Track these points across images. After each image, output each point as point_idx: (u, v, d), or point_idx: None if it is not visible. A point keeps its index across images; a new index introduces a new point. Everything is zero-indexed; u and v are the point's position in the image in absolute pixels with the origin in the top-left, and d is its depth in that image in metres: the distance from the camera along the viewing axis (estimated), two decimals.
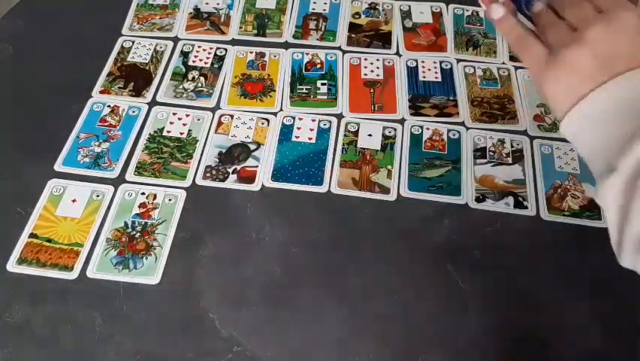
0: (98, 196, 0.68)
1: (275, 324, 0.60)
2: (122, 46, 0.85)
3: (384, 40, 0.87)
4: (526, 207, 0.69)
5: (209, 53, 0.84)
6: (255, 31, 0.88)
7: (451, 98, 0.80)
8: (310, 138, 0.75)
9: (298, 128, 0.76)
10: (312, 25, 0.89)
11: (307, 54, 0.85)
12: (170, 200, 0.68)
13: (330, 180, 0.71)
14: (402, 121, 0.77)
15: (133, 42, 0.85)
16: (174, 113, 0.77)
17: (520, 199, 0.70)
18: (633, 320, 0.61)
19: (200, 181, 0.70)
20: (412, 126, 0.77)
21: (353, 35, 0.88)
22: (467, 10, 0.92)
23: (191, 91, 0.80)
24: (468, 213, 0.69)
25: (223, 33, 0.87)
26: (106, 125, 0.75)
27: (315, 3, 0.92)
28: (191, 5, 0.91)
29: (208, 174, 0.71)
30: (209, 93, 0.79)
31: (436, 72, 0.83)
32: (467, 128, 0.77)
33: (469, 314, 0.61)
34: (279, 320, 0.60)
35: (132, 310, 0.60)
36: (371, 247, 0.66)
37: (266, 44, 0.86)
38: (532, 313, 0.62)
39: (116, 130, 0.75)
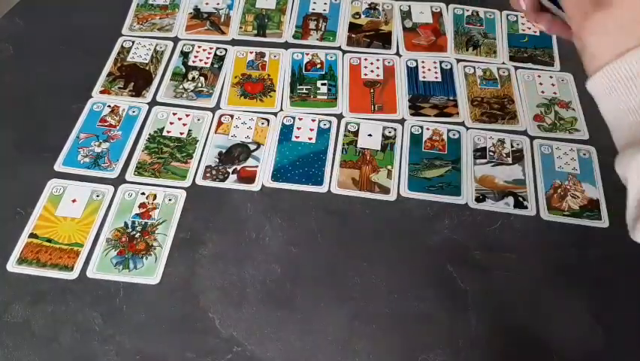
0: (98, 196, 0.68)
1: (275, 324, 0.60)
2: (122, 46, 0.85)
3: (384, 40, 0.87)
4: (526, 207, 0.69)
5: (209, 53, 0.84)
6: (255, 32, 0.88)
7: (451, 98, 0.80)
8: (310, 138, 0.75)
9: (298, 129, 0.76)
10: (312, 25, 0.89)
11: (307, 54, 0.85)
12: (170, 200, 0.68)
13: (330, 180, 0.71)
14: (402, 121, 0.77)
15: (133, 42, 0.85)
16: (174, 113, 0.77)
17: (520, 199, 0.70)
18: (633, 320, 0.61)
19: (200, 181, 0.70)
20: (412, 126, 0.77)
21: (353, 35, 0.88)
22: (467, 10, 0.92)
23: (191, 91, 0.80)
24: (468, 213, 0.69)
25: (223, 33, 0.87)
26: (106, 126, 0.75)
27: (315, 3, 0.92)
28: (191, 5, 0.91)
29: (208, 174, 0.71)
30: (209, 93, 0.79)
31: (436, 72, 0.83)
32: (467, 129, 0.77)
33: (469, 314, 0.61)
34: (279, 320, 0.60)
35: (132, 310, 0.60)
36: (371, 247, 0.66)
37: (266, 44, 0.86)
38: (532, 314, 0.62)
39: (116, 130, 0.75)
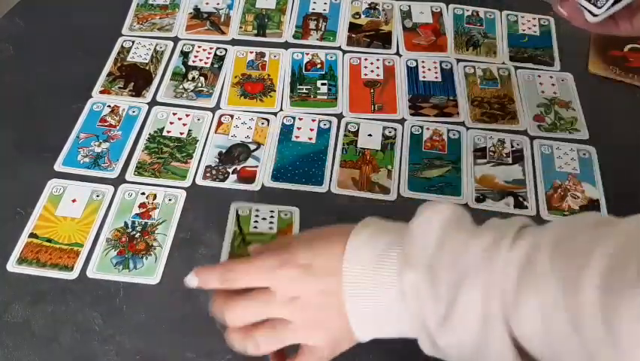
0: (98, 196, 0.68)
1: None
2: (122, 46, 0.85)
3: (384, 40, 0.87)
4: (526, 207, 0.69)
5: (209, 53, 0.84)
6: (255, 31, 0.88)
7: (451, 98, 0.80)
8: (310, 138, 0.75)
9: (298, 129, 0.76)
10: (312, 25, 0.89)
11: (307, 54, 0.85)
12: (170, 200, 0.68)
13: (330, 180, 0.71)
14: (402, 121, 0.77)
15: (133, 42, 0.85)
16: (174, 113, 0.77)
17: (520, 199, 0.70)
18: None
19: (200, 181, 0.70)
20: (412, 126, 0.77)
21: (353, 35, 0.88)
22: (467, 10, 0.92)
23: (191, 91, 0.80)
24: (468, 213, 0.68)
25: (223, 33, 0.87)
26: (106, 125, 0.75)
27: (315, 3, 0.92)
28: (191, 5, 0.91)
29: (208, 174, 0.71)
30: (209, 93, 0.79)
31: (436, 72, 0.83)
32: (467, 128, 0.77)
33: None
34: None
35: (132, 310, 0.60)
36: None
37: (266, 44, 0.86)
38: None
39: (116, 130, 0.75)
